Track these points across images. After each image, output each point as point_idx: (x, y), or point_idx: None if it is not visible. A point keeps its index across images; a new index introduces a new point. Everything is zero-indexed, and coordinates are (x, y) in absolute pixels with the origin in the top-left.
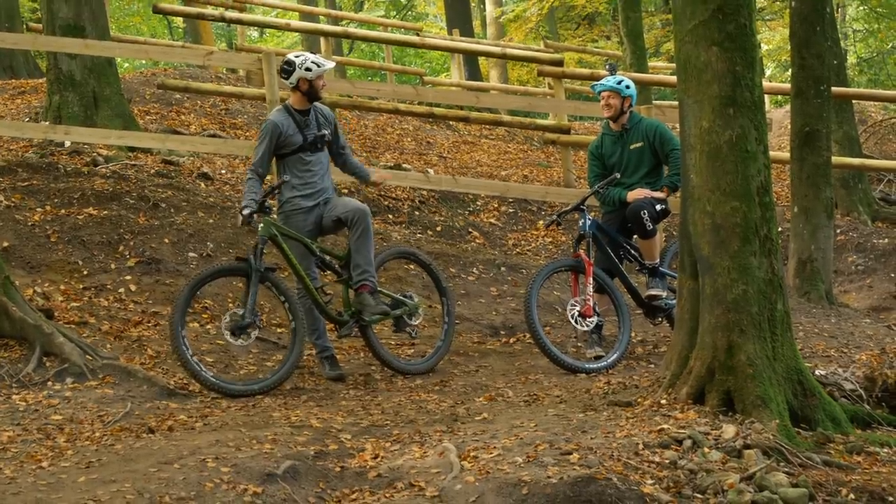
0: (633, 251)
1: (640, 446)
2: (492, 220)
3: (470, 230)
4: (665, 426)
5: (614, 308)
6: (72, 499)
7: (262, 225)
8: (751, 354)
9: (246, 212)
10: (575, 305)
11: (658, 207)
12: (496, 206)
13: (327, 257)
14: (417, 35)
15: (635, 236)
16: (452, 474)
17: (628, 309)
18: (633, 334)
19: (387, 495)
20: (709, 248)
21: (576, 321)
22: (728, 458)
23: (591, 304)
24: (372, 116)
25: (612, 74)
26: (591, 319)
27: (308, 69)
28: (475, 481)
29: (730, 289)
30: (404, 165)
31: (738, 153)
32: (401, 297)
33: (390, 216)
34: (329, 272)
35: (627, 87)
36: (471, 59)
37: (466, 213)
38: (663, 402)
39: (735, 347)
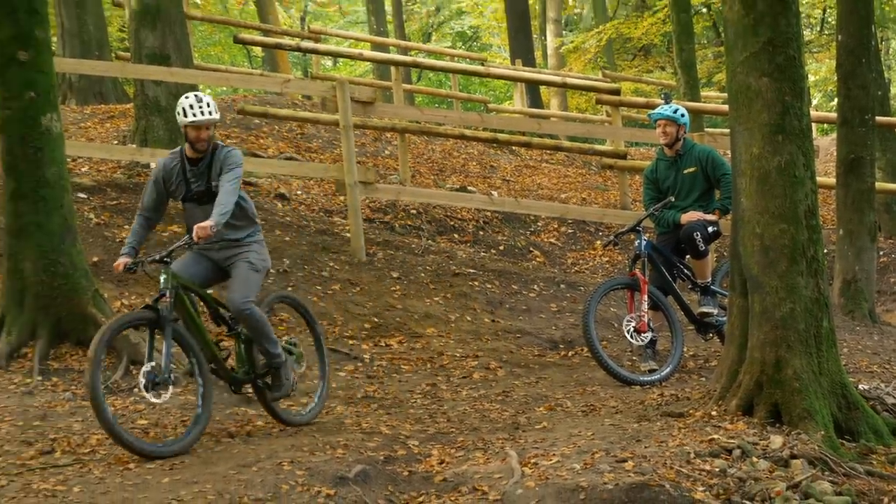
0: (686, 270)
1: (692, 455)
2: (552, 240)
3: (531, 249)
4: (715, 436)
5: (668, 324)
6: (156, 499)
7: (164, 276)
8: (797, 369)
9: (120, 260)
10: (630, 321)
11: (710, 229)
12: (556, 226)
13: (220, 309)
14: (482, 65)
15: (688, 256)
16: (514, 479)
17: (681, 325)
18: (685, 349)
19: (452, 499)
20: (758, 268)
21: (631, 336)
22: (775, 468)
23: (646, 320)
24: (439, 141)
25: (667, 103)
26: (645, 335)
27: (178, 113)
28: (535, 486)
29: (778, 307)
30: (469, 188)
31: (786, 178)
32: (289, 346)
33: (456, 235)
34: (221, 325)
35: (682, 115)
36: (532, 87)
37: (528, 233)
38: (714, 413)
39: (783, 362)
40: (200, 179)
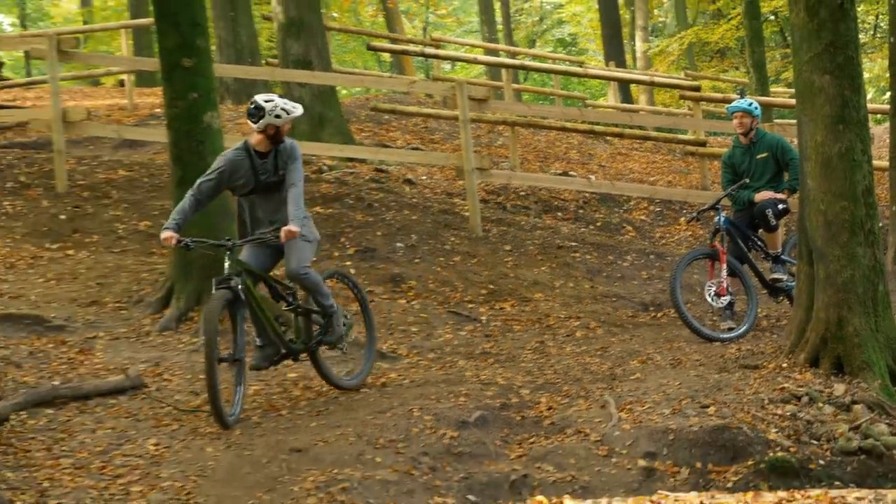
0: (759, 242)
1: (766, 401)
2: (642, 217)
3: (624, 225)
4: (786, 385)
5: (744, 289)
6: (305, 440)
7: (229, 262)
8: (857, 327)
9: (170, 234)
10: (711, 286)
11: (780, 207)
12: (645, 205)
13: (279, 287)
14: (580, 67)
15: (761, 230)
16: (612, 423)
17: (755, 289)
18: (759, 310)
19: (558, 440)
20: (822, 240)
21: (712, 299)
22: (838, 412)
23: (725, 285)
24: (544, 133)
25: (741, 98)
26: (724, 298)
27: (278, 116)
28: (630, 429)
29: (840, 273)
30: (570, 173)
31: (846, 162)
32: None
33: (559, 214)
34: (280, 301)
35: (756, 108)
36: (624, 86)
37: (621, 211)
38: (784, 365)
39: (844, 321)
40: (269, 172)
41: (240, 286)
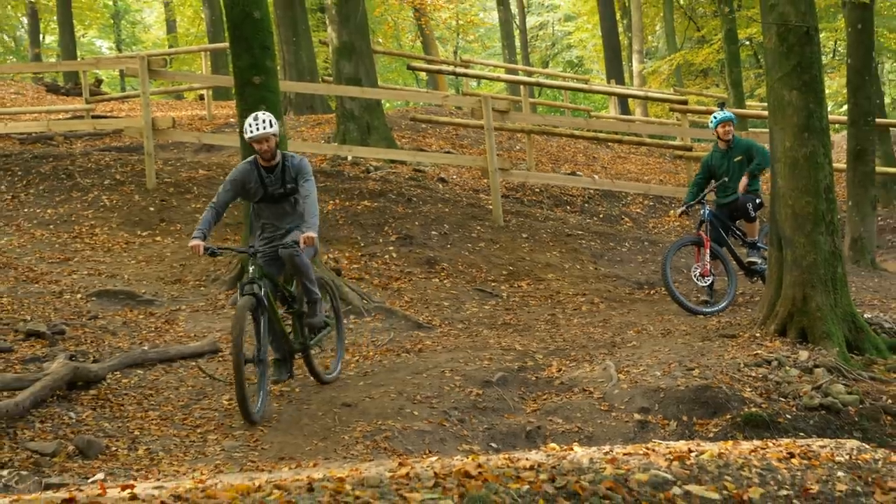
0: (738, 231)
1: (742, 365)
2: (638, 210)
3: (623, 217)
4: (759, 352)
5: (725, 271)
6: (354, 396)
7: (253, 267)
8: (819, 303)
9: (197, 242)
10: (697, 268)
11: (757, 201)
12: (641, 200)
13: (285, 292)
14: (586, 83)
15: (739, 221)
16: (612, 383)
17: (734, 271)
18: (737, 289)
19: (567, 397)
20: (790, 230)
21: (696, 279)
22: (803, 374)
23: (709, 267)
24: (555, 139)
25: (721, 110)
26: (707, 278)
27: (243, 132)
28: (627, 388)
29: (804, 257)
30: (577, 172)
31: (810, 164)
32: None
33: (568, 207)
34: (284, 304)
35: (734, 118)
36: (622, 100)
37: (620, 205)
38: (758, 335)
39: (808, 298)
40: (277, 183)
41: (262, 290)
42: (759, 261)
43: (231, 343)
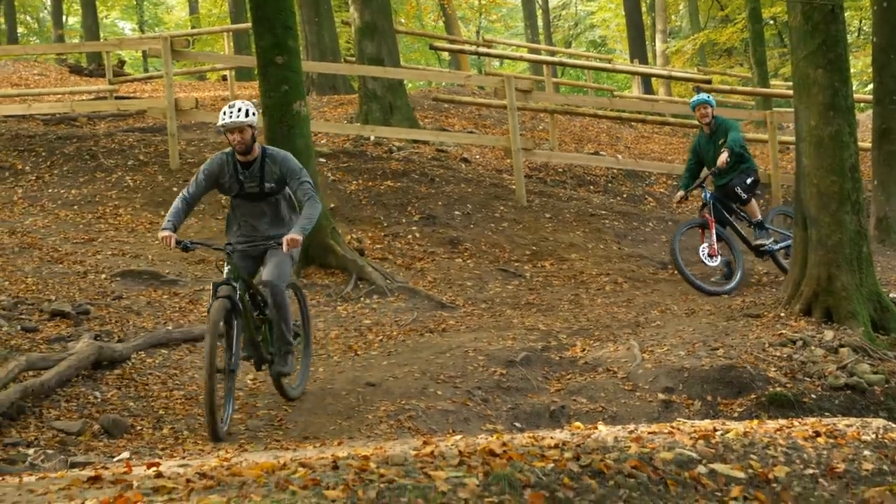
0: (742, 213)
1: (766, 345)
2: (661, 190)
3: (646, 196)
4: (783, 331)
5: (731, 251)
6: (377, 375)
7: (229, 266)
8: (844, 282)
9: (167, 234)
10: (704, 249)
11: (749, 181)
12: (664, 180)
13: (258, 296)
14: (609, 63)
15: (737, 204)
16: (636, 362)
17: (741, 252)
18: (746, 268)
19: (591, 377)
20: (815, 209)
21: (705, 259)
22: (828, 354)
23: (716, 247)
24: (578, 119)
25: (698, 93)
26: (715, 258)
27: (218, 122)
28: (652, 367)
29: (830, 237)
30: (601, 152)
31: (835, 143)
32: (295, 327)
33: (591, 187)
34: (256, 310)
35: (711, 99)
36: (646, 79)
37: (644, 184)
38: (782, 314)
39: (833, 277)
40: (254, 181)
41: (238, 293)
42: (768, 242)
43: (205, 350)
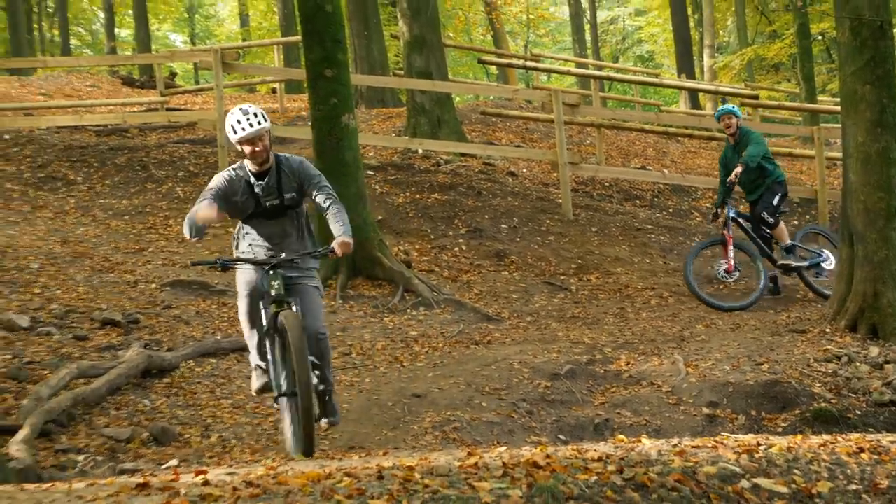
0: (770, 239)
1: (811, 360)
2: (707, 205)
3: (693, 211)
4: (829, 347)
5: (754, 267)
6: (423, 387)
7: (277, 282)
8: (891, 299)
9: (194, 239)
10: (722, 265)
11: (775, 201)
12: (711, 195)
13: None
14: (657, 77)
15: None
16: (680, 376)
17: (763, 269)
18: (764, 285)
19: (635, 390)
20: (861, 225)
21: (722, 276)
22: (873, 370)
23: (733, 263)
24: (625, 133)
25: (724, 104)
26: (733, 273)
27: (228, 132)
28: (696, 381)
29: (876, 253)
30: (647, 167)
31: (883, 159)
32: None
33: (637, 201)
34: None
35: (737, 110)
36: (693, 94)
37: (690, 199)
38: (828, 330)
39: (879, 294)
40: (272, 193)
41: (296, 308)
42: (794, 263)
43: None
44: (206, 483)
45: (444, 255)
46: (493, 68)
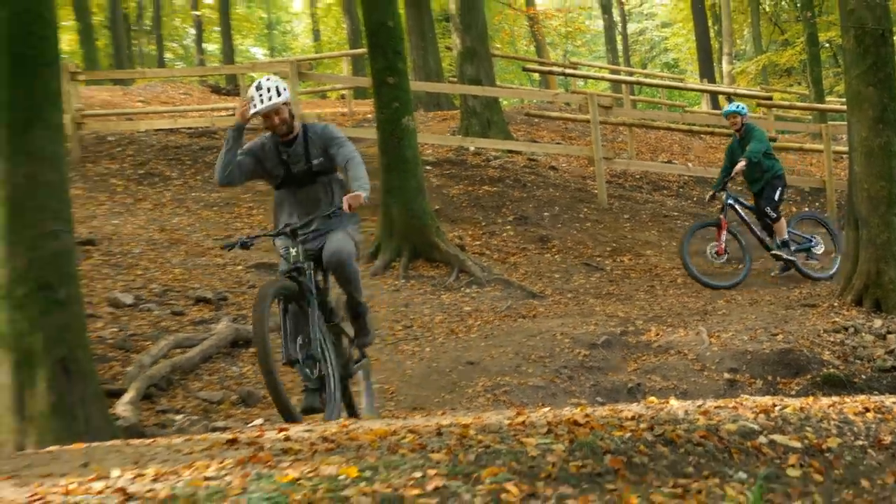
0: (767, 232)
1: (821, 331)
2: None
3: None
4: (837, 319)
5: (742, 251)
6: (476, 355)
7: (295, 250)
8: (892, 276)
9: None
10: (714, 247)
11: (776, 195)
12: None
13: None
14: (681, 82)
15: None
16: (704, 346)
17: (752, 249)
18: (752, 266)
19: (664, 358)
20: (865, 211)
21: (711, 257)
22: (877, 340)
23: (724, 247)
24: (653, 132)
25: (729, 103)
26: (722, 256)
27: (250, 108)
28: (718, 350)
29: (879, 236)
30: (673, 161)
31: (884, 152)
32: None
33: (665, 191)
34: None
35: (743, 108)
36: (714, 96)
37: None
38: (836, 304)
39: (882, 272)
40: (300, 160)
41: (309, 276)
42: (786, 255)
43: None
44: (287, 439)
45: (493, 239)
46: (536, 75)
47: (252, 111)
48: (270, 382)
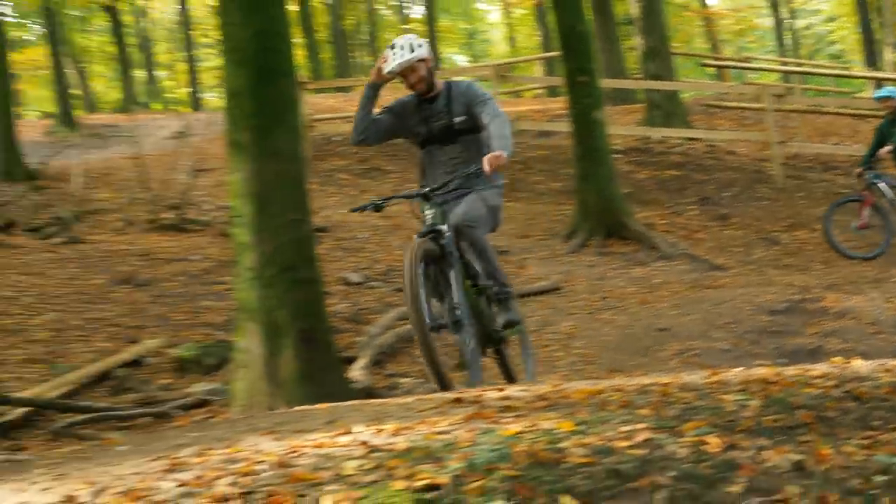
0: None
1: None
2: (894, 171)
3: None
4: None
5: (886, 224)
6: (667, 322)
7: (433, 212)
8: None
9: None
10: (857, 222)
11: None
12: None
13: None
14: (847, 70)
15: None
16: (879, 310)
17: (891, 230)
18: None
19: (841, 322)
20: None
21: (854, 231)
22: None
23: (866, 222)
24: (823, 117)
25: (881, 89)
26: (863, 231)
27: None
28: (893, 314)
29: None
30: (842, 143)
31: None
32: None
33: (835, 171)
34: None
35: (895, 92)
36: (878, 82)
37: (880, 168)
38: None
39: None
40: (442, 116)
41: (448, 240)
42: None
43: (412, 307)
44: (506, 398)
45: (678, 218)
46: (711, 70)
47: (387, 69)
48: (426, 347)
